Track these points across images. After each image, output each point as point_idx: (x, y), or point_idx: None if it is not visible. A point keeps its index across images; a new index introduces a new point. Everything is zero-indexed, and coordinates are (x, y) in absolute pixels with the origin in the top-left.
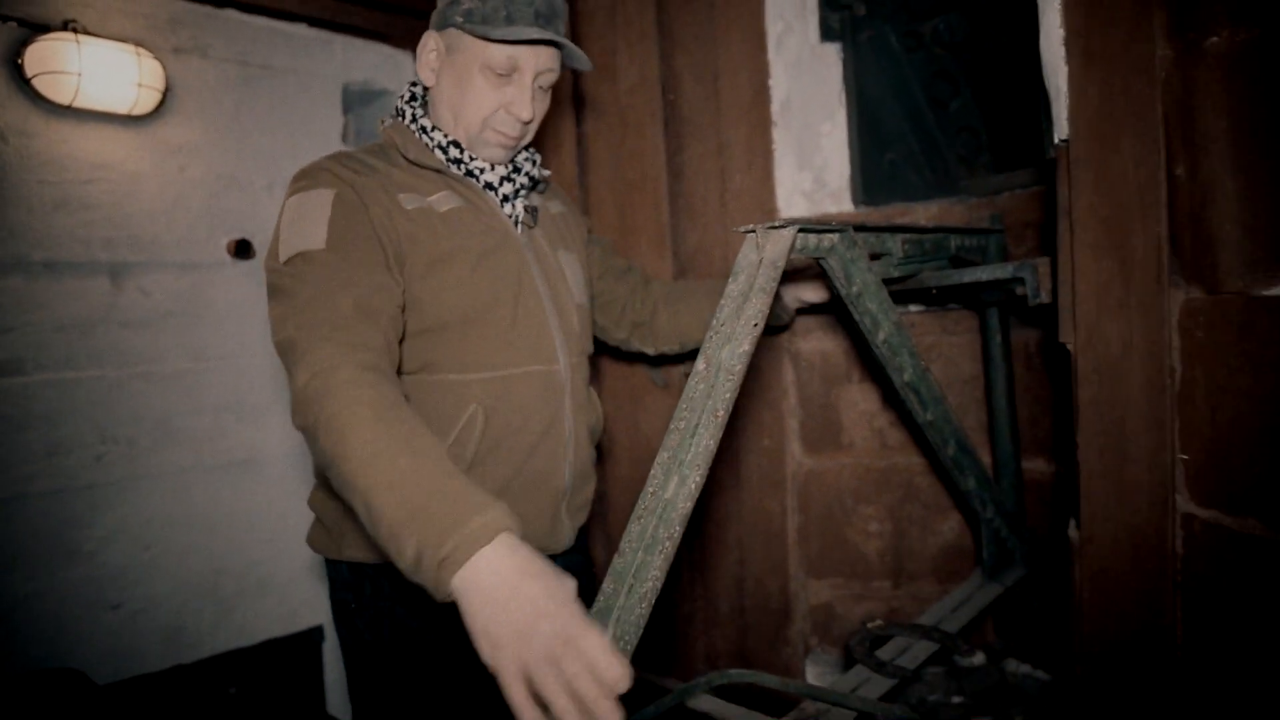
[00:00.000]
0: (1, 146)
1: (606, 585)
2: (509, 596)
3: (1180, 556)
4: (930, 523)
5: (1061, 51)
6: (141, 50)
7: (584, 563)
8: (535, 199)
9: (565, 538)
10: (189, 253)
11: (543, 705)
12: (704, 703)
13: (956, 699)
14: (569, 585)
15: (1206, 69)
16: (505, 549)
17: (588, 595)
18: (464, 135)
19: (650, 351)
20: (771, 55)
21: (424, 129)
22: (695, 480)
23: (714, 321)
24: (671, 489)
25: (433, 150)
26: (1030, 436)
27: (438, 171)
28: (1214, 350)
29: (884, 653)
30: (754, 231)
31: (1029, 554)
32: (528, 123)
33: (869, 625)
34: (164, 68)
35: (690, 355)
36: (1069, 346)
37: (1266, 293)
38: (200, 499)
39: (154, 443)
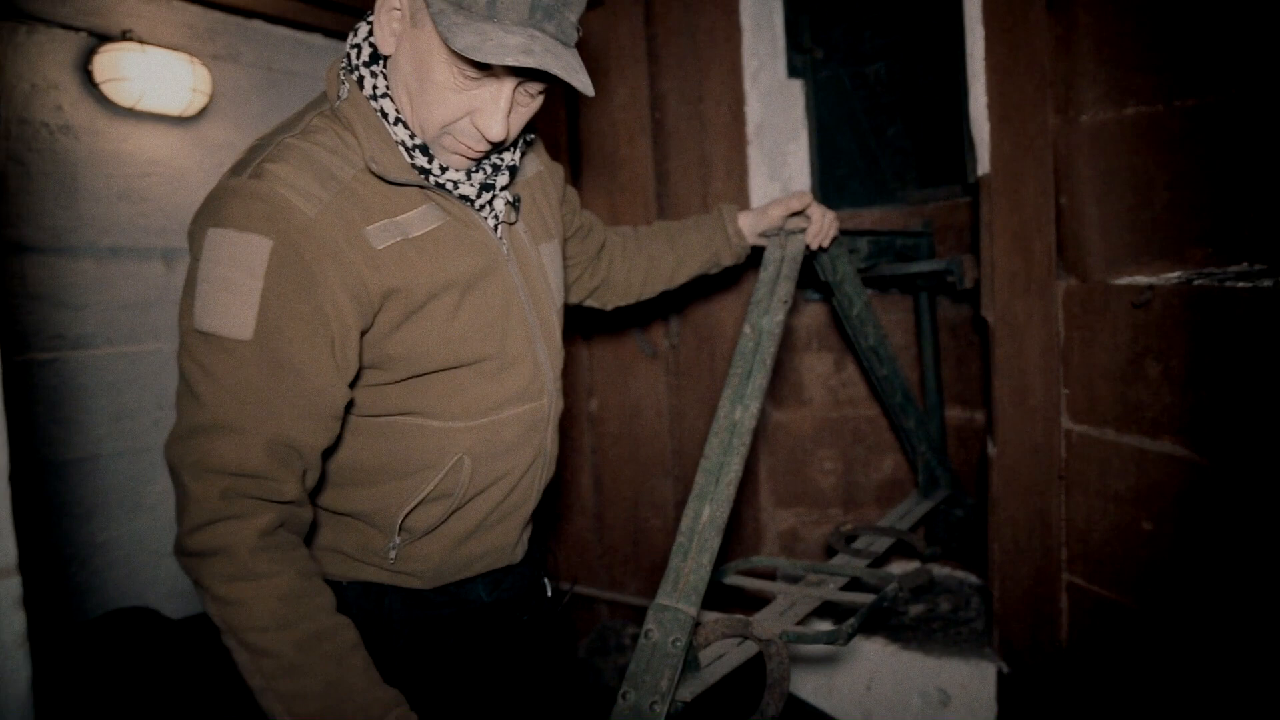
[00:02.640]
0: (74, 144)
1: (699, 479)
2: None
3: (1063, 459)
4: (873, 461)
5: (985, 114)
6: (194, 59)
7: (533, 573)
8: (517, 172)
9: (522, 550)
10: None
11: None
12: (737, 580)
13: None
14: None
15: (1079, 136)
16: None
17: (529, 603)
18: (420, 133)
19: (605, 309)
20: (748, 86)
21: (385, 115)
22: (755, 408)
23: (753, 299)
24: (738, 414)
25: (400, 151)
26: (950, 391)
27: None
28: (1084, 320)
29: (859, 544)
30: (779, 235)
31: (951, 479)
32: (498, 142)
33: (841, 528)
34: (209, 73)
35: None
36: (988, 319)
37: (1116, 282)
38: None
39: None
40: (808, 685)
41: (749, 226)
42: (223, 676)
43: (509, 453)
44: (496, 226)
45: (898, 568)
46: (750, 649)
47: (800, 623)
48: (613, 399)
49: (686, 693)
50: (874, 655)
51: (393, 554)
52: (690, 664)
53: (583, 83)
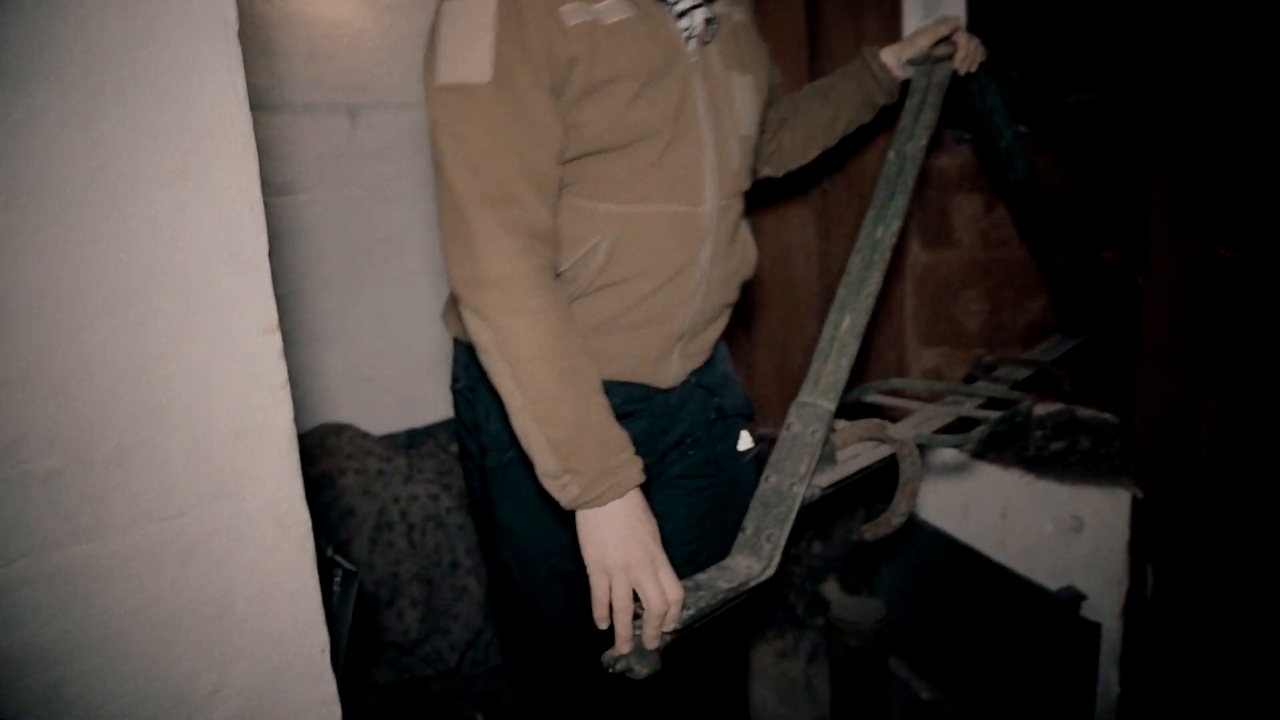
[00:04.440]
0: (267, 7)
1: (841, 292)
2: (621, 531)
3: (1215, 283)
4: (1021, 303)
5: None
6: None
7: (698, 395)
8: (719, 4)
9: (672, 376)
10: (403, 95)
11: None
12: (875, 398)
13: (1039, 432)
14: (656, 529)
15: None
16: (632, 500)
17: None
18: None
19: (777, 175)
20: None
21: None
22: (895, 226)
23: (899, 126)
24: (880, 232)
25: None
26: (1101, 231)
27: None
28: None
29: (999, 373)
30: (925, 62)
31: (1099, 319)
32: None
33: (982, 358)
34: None
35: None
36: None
37: None
38: (421, 299)
39: (386, 254)
40: (945, 515)
41: (894, 59)
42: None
43: (652, 254)
44: (690, 39)
45: (1042, 408)
46: (885, 451)
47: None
48: (765, 246)
49: (824, 480)
50: (1010, 484)
51: None
52: (827, 457)
53: None
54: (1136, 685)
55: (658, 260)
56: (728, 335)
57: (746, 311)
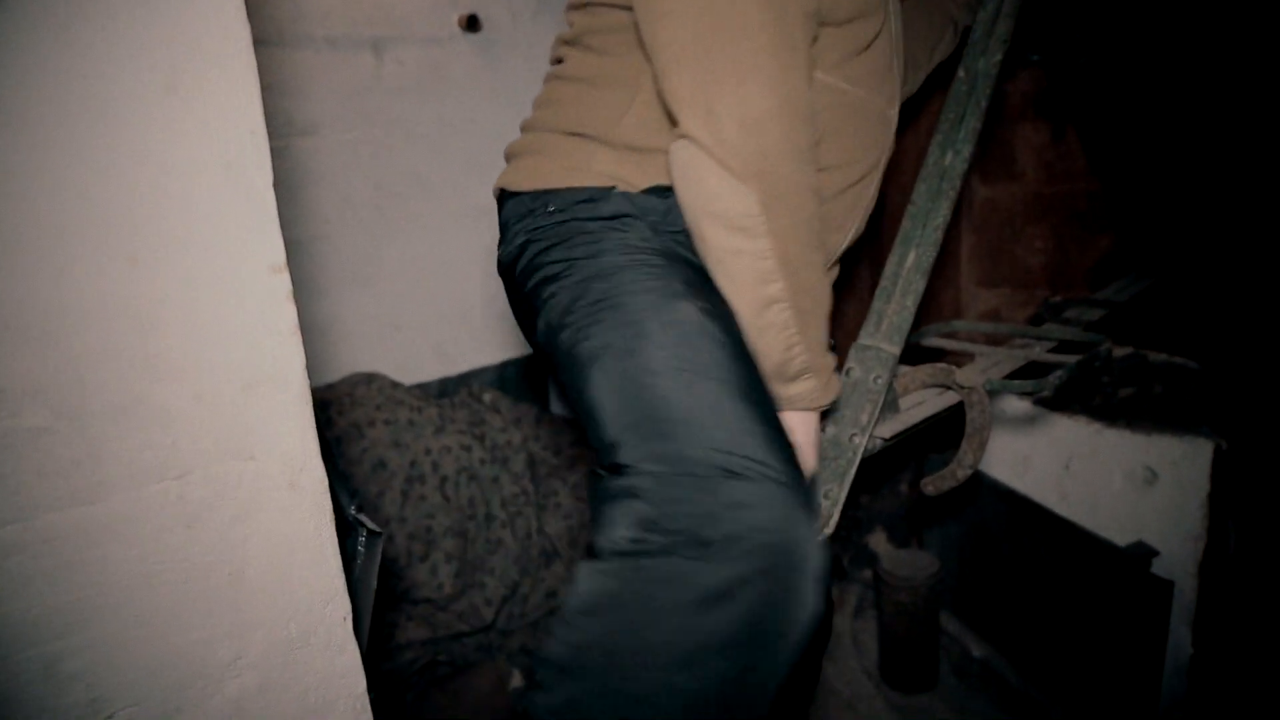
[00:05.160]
0: None
1: (906, 224)
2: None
3: None
4: (1089, 240)
5: None
6: None
7: None
8: None
9: None
10: (431, 28)
11: None
12: (934, 341)
13: (1106, 377)
14: None
15: None
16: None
17: None
18: None
19: None
20: None
21: None
22: (966, 152)
23: (970, 40)
24: (949, 159)
25: None
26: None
27: None
28: None
29: (1070, 314)
30: None
31: (1177, 256)
32: None
33: (1050, 299)
34: None
35: None
36: None
37: None
38: (454, 241)
39: (417, 194)
40: (1004, 466)
41: None
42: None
43: (855, 143)
44: None
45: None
46: (951, 398)
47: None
48: None
49: (886, 430)
50: (1075, 433)
51: None
52: (890, 405)
53: None
54: (1212, 647)
55: (858, 152)
56: None
57: None
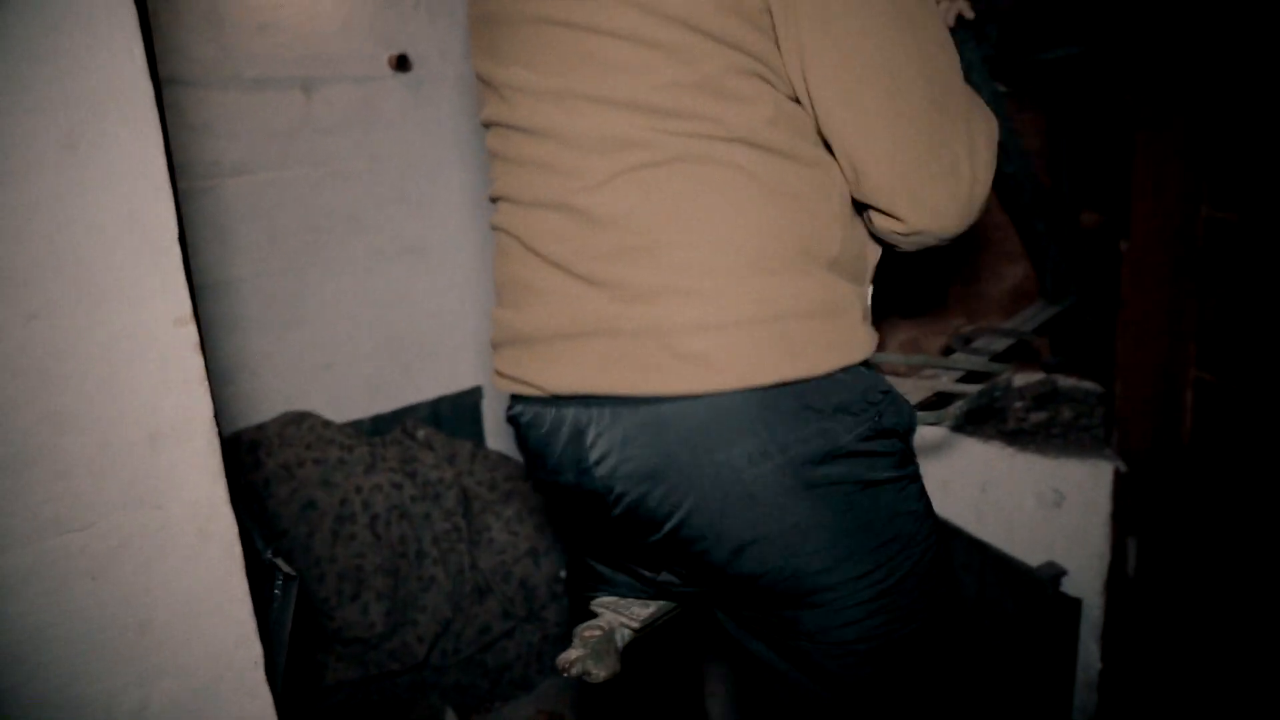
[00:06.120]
0: None
1: None
2: None
3: (1199, 249)
4: (1000, 269)
5: None
6: None
7: None
8: None
9: None
10: (361, 68)
11: None
12: None
13: (1019, 403)
14: None
15: None
16: None
17: None
18: None
19: None
20: None
21: None
22: None
23: None
24: None
25: None
26: (1084, 194)
27: None
28: None
29: (977, 345)
30: None
31: (1080, 285)
32: None
33: (961, 329)
34: None
35: None
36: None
37: None
38: (381, 281)
39: (348, 233)
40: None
41: None
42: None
43: None
44: None
45: (1021, 379)
46: None
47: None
48: None
49: None
50: (990, 458)
51: None
52: None
53: None
54: (1118, 661)
55: None
56: None
57: None
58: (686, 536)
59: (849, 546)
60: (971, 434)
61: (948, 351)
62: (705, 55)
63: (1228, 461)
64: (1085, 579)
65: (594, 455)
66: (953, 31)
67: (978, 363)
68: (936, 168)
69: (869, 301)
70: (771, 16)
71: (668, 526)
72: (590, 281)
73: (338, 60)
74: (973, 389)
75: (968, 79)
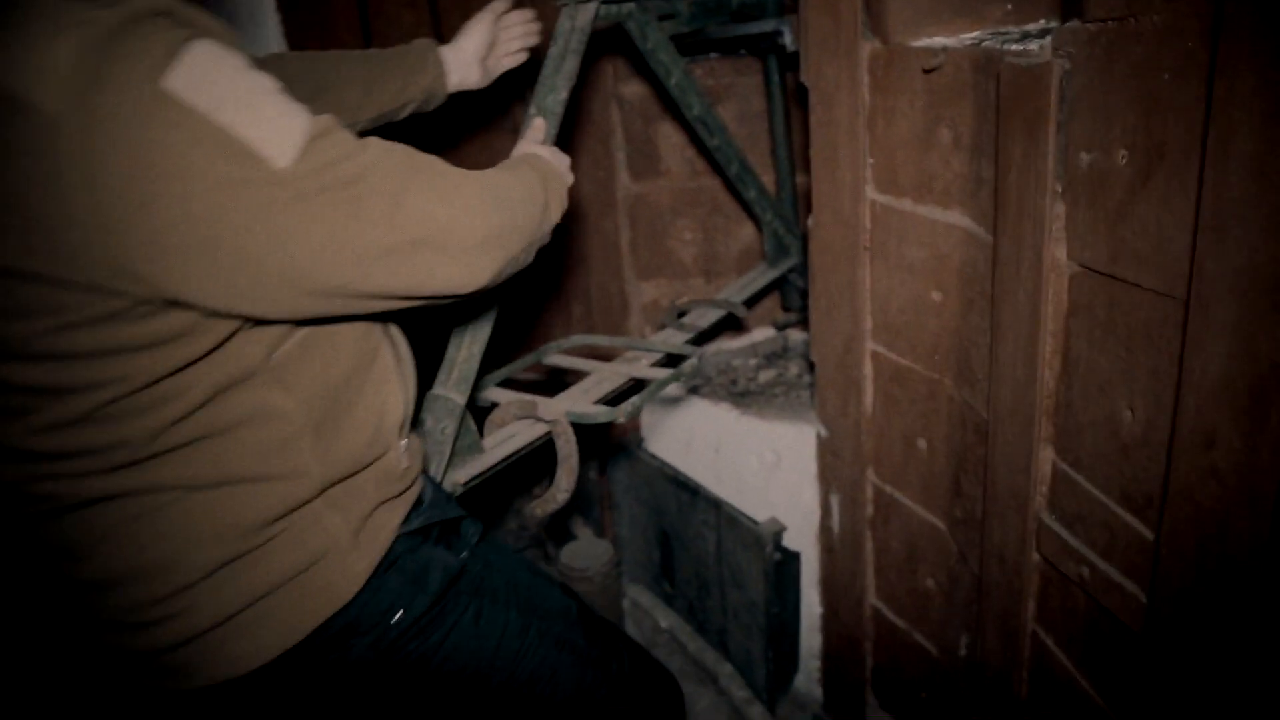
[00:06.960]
0: None
1: None
2: None
3: (869, 228)
4: (733, 231)
5: None
6: None
7: None
8: None
9: None
10: None
11: None
12: (555, 359)
13: (752, 360)
14: None
15: None
16: None
17: None
18: None
19: None
20: None
21: None
22: None
23: (540, 77)
24: None
25: None
26: (801, 157)
27: None
28: (885, 85)
29: (687, 319)
30: (568, 5)
31: (801, 247)
32: None
33: (675, 302)
34: None
35: None
36: (806, 84)
37: (915, 44)
38: None
39: None
40: (670, 450)
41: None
42: None
43: None
44: None
45: (760, 334)
46: (540, 429)
47: (610, 398)
48: None
49: (463, 474)
50: (721, 420)
51: None
52: (470, 449)
53: None
54: (833, 607)
55: None
56: None
57: None
58: None
59: None
60: (705, 395)
61: (664, 326)
62: None
63: (899, 427)
64: (801, 533)
65: None
66: (633, 13)
67: (672, 346)
68: None
69: None
70: None
71: None
72: None
73: None
74: (664, 373)
75: (656, 60)
